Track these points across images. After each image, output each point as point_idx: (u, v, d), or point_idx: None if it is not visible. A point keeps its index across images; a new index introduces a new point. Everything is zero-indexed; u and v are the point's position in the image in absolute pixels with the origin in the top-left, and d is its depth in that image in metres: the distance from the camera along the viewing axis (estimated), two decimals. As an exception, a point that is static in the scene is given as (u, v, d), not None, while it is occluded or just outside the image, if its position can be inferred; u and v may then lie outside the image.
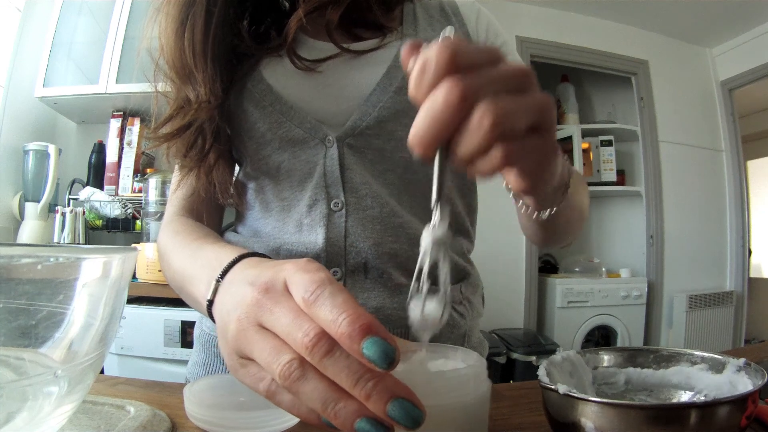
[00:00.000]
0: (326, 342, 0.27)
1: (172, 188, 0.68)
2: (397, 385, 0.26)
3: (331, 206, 0.57)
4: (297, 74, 0.58)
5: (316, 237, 0.57)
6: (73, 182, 2.05)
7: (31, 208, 1.90)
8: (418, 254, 0.61)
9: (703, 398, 0.37)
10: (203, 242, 0.51)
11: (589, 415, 0.30)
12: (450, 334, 0.60)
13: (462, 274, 0.64)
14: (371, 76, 0.58)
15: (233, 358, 0.32)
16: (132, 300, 1.60)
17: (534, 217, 0.46)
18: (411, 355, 0.35)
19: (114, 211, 1.95)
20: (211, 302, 0.39)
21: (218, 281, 0.39)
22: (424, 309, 0.31)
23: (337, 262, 0.57)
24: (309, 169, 0.58)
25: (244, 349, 0.31)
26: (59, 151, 1.95)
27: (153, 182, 1.78)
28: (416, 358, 0.34)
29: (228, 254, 0.41)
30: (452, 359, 0.35)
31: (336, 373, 0.27)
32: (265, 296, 0.31)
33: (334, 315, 0.27)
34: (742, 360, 0.35)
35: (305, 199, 0.58)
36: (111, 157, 2.06)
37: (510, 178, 0.31)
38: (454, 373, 0.31)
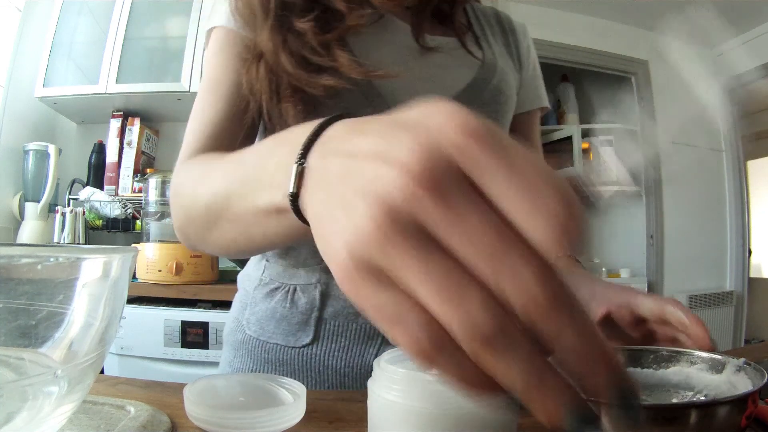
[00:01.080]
0: (557, 298, 0.17)
1: (190, 127, 0.55)
2: (624, 370, 0.18)
3: None
4: (382, 61, 0.52)
5: None
6: (73, 182, 2.05)
7: (31, 208, 1.90)
8: None
9: (702, 398, 0.37)
10: (246, 151, 0.39)
11: None
12: None
13: None
14: (455, 86, 0.57)
15: (353, 268, 0.19)
16: (132, 300, 1.60)
17: None
18: None
19: (114, 211, 1.95)
20: (295, 195, 0.26)
21: (301, 162, 0.26)
22: None
23: None
24: None
25: (386, 264, 0.18)
26: (59, 151, 1.95)
27: (153, 182, 1.78)
28: None
29: (298, 130, 0.28)
30: None
31: (560, 340, 0.17)
32: (425, 188, 0.18)
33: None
34: (741, 360, 0.35)
35: None
36: (111, 157, 2.06)
37: None
38: None
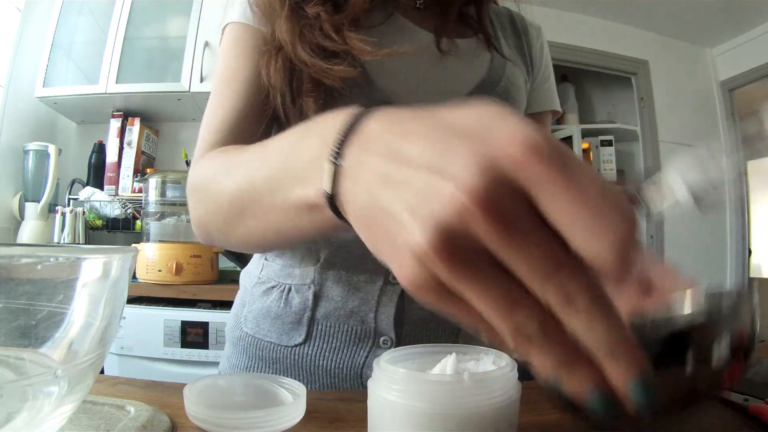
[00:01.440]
0: (592, 300, 0.19)
1: (206, 121, 0.54)
2: (645, 362, 0.20)
3: None
4: (394, 59, 0.51)
5: None
6: (73, 182, 2.05)
7: (31, 208, 1.90)
8: None
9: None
10: (269, 142, 0.37)
11: None
12: None
13: None
14: (469, 75, 0.57)
15: (420, 276, 0.21)
16: (132, 300, 1.60)
17: None
18: (442, 357, 0.34)
19: (114, 211, 1.95)
20: (332, 196, 0.26)
21: (336, 159, 0.25)
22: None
23: None
24: None
25: (444, 279, 0.20)
26: (59, 151, 1.95)
27: (153, 182, 1.78)
28: (447, 361, 0.34)
29: (326, 122, 0.27)
30: (483, 361, 0.35)
31: (593, 342, 0.20)
32: (483, 208, 0.18)
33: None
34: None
35: None
36: (111, 157, 2.06)
37: None
38: (484, 375, 0.31)
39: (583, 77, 3.15)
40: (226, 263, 1.82)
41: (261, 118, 0.53)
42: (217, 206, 0.43)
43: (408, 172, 0.21)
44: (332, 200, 0.26)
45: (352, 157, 0.24)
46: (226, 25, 0.57)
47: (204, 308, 1.56)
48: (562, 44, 2.81)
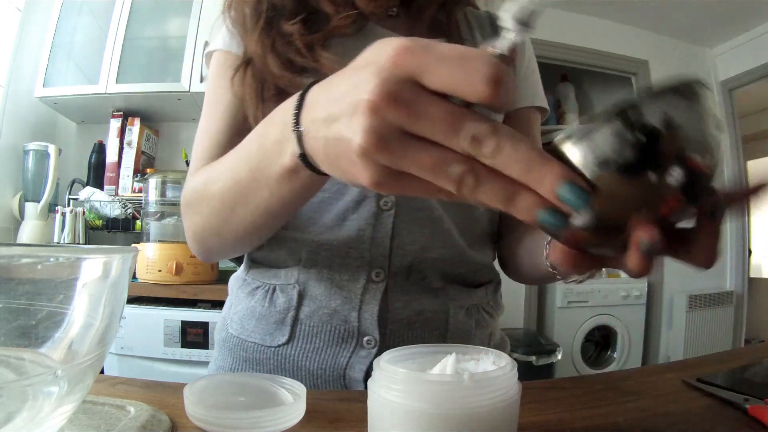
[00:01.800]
0: (496, 134, 0.25)
1: (195, 144, 0.59)
2: (564, 168, 0.25)
3: (380, 205, 0.56)
4: None
5: (360, 235, 0.56)
6: (73, 182, 2.05)
7: (31, 208, 1.90)
8: (460, 261, 0.61)
9: None
10: (239, 145, 0.43)
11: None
12: (480, 333, 0.61)
13: (490, 276, 0.65)
14: None
15: (375, 172, 0.27)
16: (132, 300, 1.60)
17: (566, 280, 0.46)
18: (442, 357, 0.34)
19: (114, 211, 1.95)
20: (303, 155, 0.32)
21: (297, 128, 0.32)
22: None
23: (380, 263, 0.56)
24: None
25: (389, 164, 0.26)
26: (59, 151, 1.95)
27: (153, 182, 1.78)
28: (447, 361, 0.34)
29: (280, 110, 0.35)
30: (483, 361, 0.35)
31: (508, 166, 0.25)
32: (387, 101, 0.25)
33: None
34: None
35: (353, 193, 0.56)
36: (111, 157, 2.06)
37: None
38: (484, 376, 0.31)
39: (583, 77, 3.15)
40: (226, 263, 1.82)
41: (244, 136, 0.56)
42: (211, 208, 0.48)
43: (339, 106, 0.28)
44: (305, 159, 0.32)
45: (306, 120, 0.31)
46: (211, 53, 0.61)
47: (204, 308, 1.56)
48: (562, 44, 2.81)
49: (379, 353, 0.54)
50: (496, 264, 0.69)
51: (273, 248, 0.61)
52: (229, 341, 0.62)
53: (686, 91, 0.27)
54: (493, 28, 0.69)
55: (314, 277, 0.57)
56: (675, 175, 0.26)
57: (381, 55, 0.26)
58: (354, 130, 0.26)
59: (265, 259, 0.63)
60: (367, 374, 0.55)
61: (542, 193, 0.25)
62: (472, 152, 0.25)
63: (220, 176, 0.46)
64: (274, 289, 0.59)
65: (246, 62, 0.54)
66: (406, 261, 0.57)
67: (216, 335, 0.66)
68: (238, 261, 0.70)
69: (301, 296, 0.58)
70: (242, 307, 0.62)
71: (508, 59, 0.26)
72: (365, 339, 0.56)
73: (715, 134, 0.27)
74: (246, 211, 0.44)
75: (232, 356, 0.62)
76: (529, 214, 0.26)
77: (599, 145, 0.26)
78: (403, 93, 0.25)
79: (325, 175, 0.33)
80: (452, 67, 0.24)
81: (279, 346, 0.58)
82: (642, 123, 0.25)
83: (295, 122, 0.32)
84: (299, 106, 0.32)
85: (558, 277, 0.47)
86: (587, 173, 0.26)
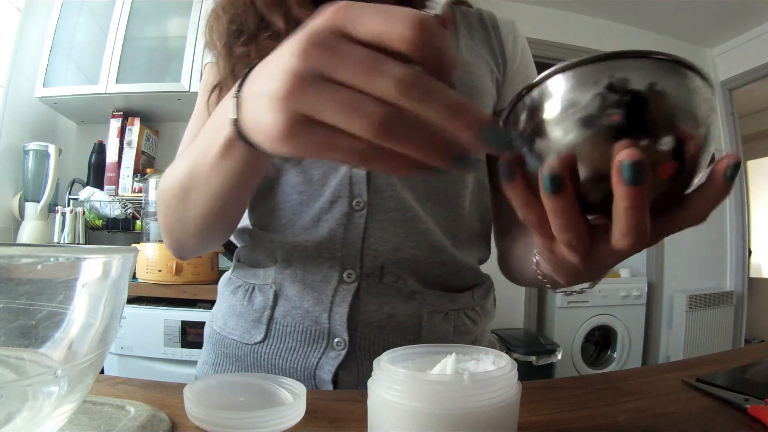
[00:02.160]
0: (420, 78, 0.25)
1: (179, 149, 0.61)
2: (485, 113, 0.26)
3: (353, 205, 0.56)
4: None
5: (332, 235, 0.56)
6: (73, 182, 2.05)
7: (31, 208, 1.90)
8: (437, 262, 0.59)
9: None
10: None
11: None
12: (460, 340, 0.60)
13: (476, 280, 0.64)
14: None
15: (287, 118, 0.27)
16: (132, 300, 1.60)
17: (557, 289, 0.45)
18: (442, 357, 0.34)
19: (114, 211, 1.95)
20: (236, 121, 0.33)
21: (237, 96, 0.32)
22: None
23: (352, 264, 0.56)
24: (336, 165, 0.57)
25: (304, 109, 0.26)
26: (59, 151, 1.95)
27: (153, 182, 1.78)
28: (447, 361, 0.34)
29: (227, 97, 0.35)
30: (483, 361, 0.35)
31: (431, 109, 0.25)
32: (312, 45, 0.26)
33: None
34: None
35: (327, 194, 0.57)
36: (111, 157, 2.06)
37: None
38: (484, 376, 0.31)
39: (583, 77, 3.14)
40: (226, 263, 1.82)
41: None
42: (171, 198, 0.49)
43: (269, 66, 0.28)
44: (239, 129, 0.32)
45: (245, 89, 0.32)
46: (205, 65, 0.64)
47: (204, 308, 1.56)
48: (562, 44, 2.81)
49: (348, 356, 0.55)
50: (490, 266, 0.68)
51: (254, 249, 0.63)
52: (213, 337, 0.65)
53: (680, 67, 0.27)
54: (482, 25, 0.68)
55: (289, 277, 0.58)
56: (664, 142, 0.25)
57: (316, 19, 0.27)
58: (274, 77, 0.26)
59: (247, 258, 0.65)
60: (336, 375, 0.55)
61: (465, 134, 0.25)
62: (395, 94, 0.24)
63: (176, 170, 0.47)
64: (254, 288, 0.61)
65: (217, 85, 0.56)
66: (378, 262, 0.56)
67: (204, 331, 0.69)
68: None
69: (276, 296, 0.58)
70: (226, 304, 0.64)
71: (443, 20, 0.27)
72: (335, 340, 0.56)
73: (708, 113, 0.27)
74: (198, 195, 0.44)
75: (215, 352, 0.64)
76: (446, 160, 0.26)
77: (582, 103, 0.26)
78: (327, 40, 0.25)
79: (263, 153, 0.33)
80: (379, 18, 0.25)
81: (255, 343, 0.59)
82: (628, 88, 0.25)
83: (237, 91, 0.32)
84: (245, 78, 0.32)
85: (547, 285, 0.46)
86: (566, 131, 0.26)
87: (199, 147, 0.41)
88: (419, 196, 0.58)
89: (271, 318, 0.58)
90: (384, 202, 0.56)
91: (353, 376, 0.55)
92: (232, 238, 0.65)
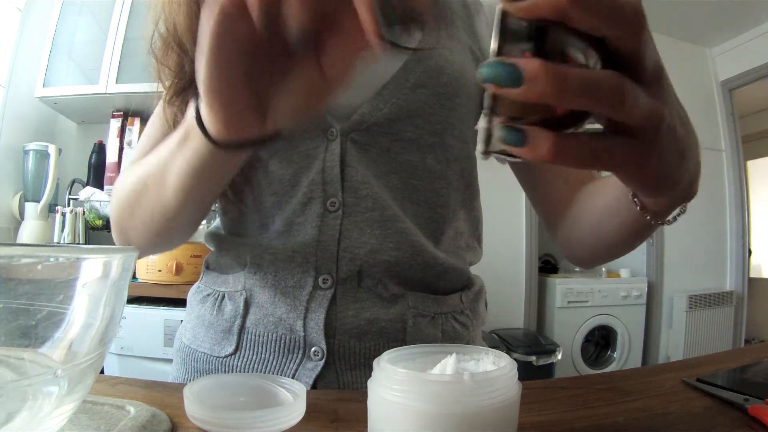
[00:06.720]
0: None
1: (140, 143, 0.61)
2: None
3: (327, 206, 0.53)
4: None
5: (305, 239, 0.53)
6: (73, 182, 2.05)
7: (31, 208, 1.91)
8: (420, 264, 0.57)
9: None
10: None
11: None
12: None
13: (464, 283, 0.61)
14: (386, 68, 0.54)
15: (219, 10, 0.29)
16: (132, 300, 1.60)
17: (653, 223, 0.40)
18: (442, 357, 0.34)
19: (114, 211, 1.95)
20: (197, 109, 0.35)
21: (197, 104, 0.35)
22: None
23: (327, 268, 0.53)
24: (307, 163, 0.54)
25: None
26: (59, 151, 1.95)
27: (153, 182, 1.78)
28: (447, 361, 0.34)
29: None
30: (483, 362, 0.35)
31: None
32: None
33: None
34: None
35: (299, 195, 0.53)
36: (111, 157, 2.06)
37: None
38: (484, 376, 0.31)
39: (583, 77, 3.14)
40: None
41: None
42: (124, 203, 0.50)
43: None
44: (199, 115, 0.34)
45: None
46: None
47: (204, 308, 1.57)
48: (562, 44, 2.80)
49: (326, 366, 0.52)
50: (483, 268, 0.65)
51: (222, 253, 0.61)
52: (182, 351, 0.61)
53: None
54: (466, 11, 0.65)
55: (260, 283, 0.55)
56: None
57: None
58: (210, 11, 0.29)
59: (216, 264, 0.62)
60: (314, 387, 0.52)
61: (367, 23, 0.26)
62: None
63: (132, 173, 0.49)
64: (223, 297, 0.58)
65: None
66: (355, 265, 0.53)
67: (174, 345, 0.64)
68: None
69: (247, 303, 0.56)
70: (194, 315, 0.61)
71: None
72: (312, 350, 0.52)
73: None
74: (151, 196, 0.46)
75: (185, 366, 0.60)
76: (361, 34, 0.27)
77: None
78: None
79: (216, 143, 0.35)
80: None
81: (226, 356, 0.56)
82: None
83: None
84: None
85: (646, 216, 0.40)
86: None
87: (158, 159, 0.44)
88: (397, 195, 0.55)
89: (242, 327, 0.55)
90: (360, 202, 0.53)
91: (333, 387, 0.52)
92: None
